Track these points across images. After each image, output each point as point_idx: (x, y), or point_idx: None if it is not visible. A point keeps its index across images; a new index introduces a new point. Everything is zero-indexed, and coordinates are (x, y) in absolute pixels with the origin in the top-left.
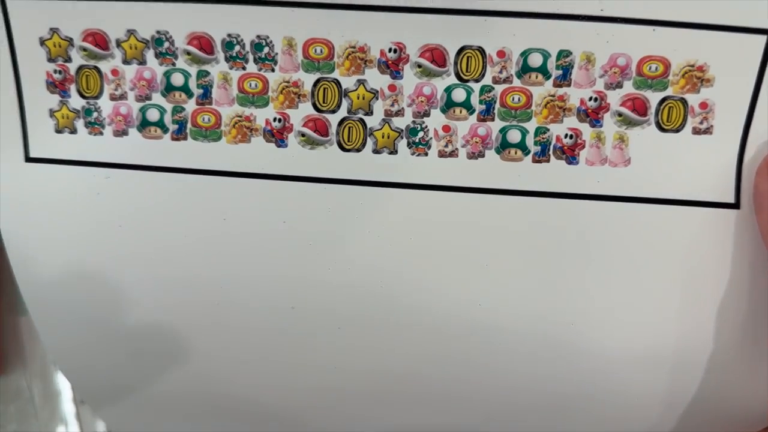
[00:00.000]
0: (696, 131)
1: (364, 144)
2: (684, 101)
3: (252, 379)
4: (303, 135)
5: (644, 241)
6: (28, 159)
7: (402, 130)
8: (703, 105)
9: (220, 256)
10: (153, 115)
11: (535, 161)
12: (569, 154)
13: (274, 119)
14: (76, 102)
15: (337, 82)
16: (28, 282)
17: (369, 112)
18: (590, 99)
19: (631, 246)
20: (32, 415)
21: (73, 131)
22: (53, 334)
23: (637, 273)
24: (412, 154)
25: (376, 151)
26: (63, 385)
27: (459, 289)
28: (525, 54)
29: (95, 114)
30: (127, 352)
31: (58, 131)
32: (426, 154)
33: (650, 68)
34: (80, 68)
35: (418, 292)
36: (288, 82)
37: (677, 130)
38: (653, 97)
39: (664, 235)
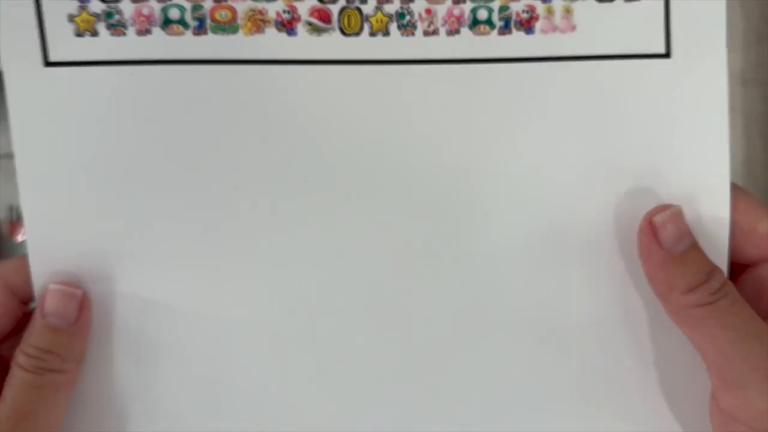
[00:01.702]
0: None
1: (361, 29)
2: None
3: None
4: (310, 24)
5: (591, 93)
6: (48, 63)
7: (392, 15)
8: None
9: (243, 135)
10: (174, 13)
11: (500, 34)
12: (527, 26)
13: (284, 11)
14: (96, 6)
15: None
16: (53, 180)
17: (364, 1)
18: None
19: (582, 100)
20: None
21: (94, 34)
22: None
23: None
24: (402, 35)
25: (372, 34)
26: None
27: (452, 148)
28: None
29: (117, 16)
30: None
31: (79, 35)
32: (413, 35)
33: None
34: None
35: (418, 151)
36: None
37: (611, 0)
38: None
39: (608, 86)
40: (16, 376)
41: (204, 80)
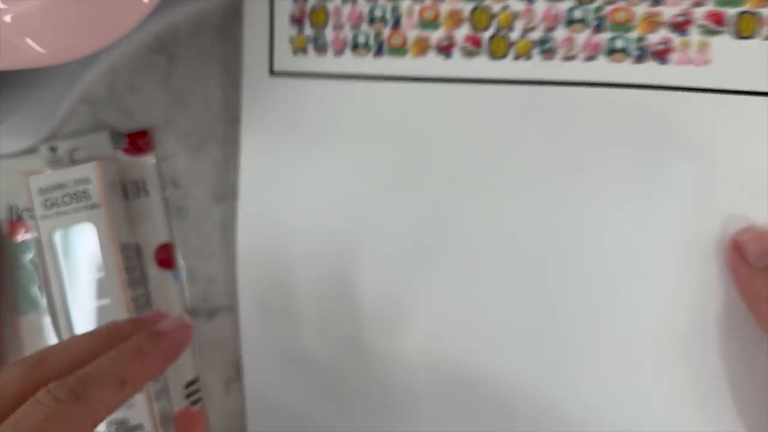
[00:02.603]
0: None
1: (507, 53)
2: (757, 14)
3: None
4: (463, 49)
5: (719, 125)
6: (272, 73)
7: (536, 41)
8: None
9: (411, 135)
10: (361, 39)
11: (635, 62)
12: (661, 56)
13: (444, 38)
14: (308, 30)
15: (488, 8)
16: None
17: (511, 29)
18: (678, 15)
19: (709, 131)
20: None
21: (305, 52)
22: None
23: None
24: (543, 59)
25: (516, 58)
26: None
27: (579, 162)
28: None
29: (320, 40)
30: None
31: (294, 52)
32: (553, 59)
33: None
34: (312, 7)
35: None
36: (454, 9)
37: (751, 37)
38: (731, 12)
39: (736, 120)
40: None
41: (379, 94)
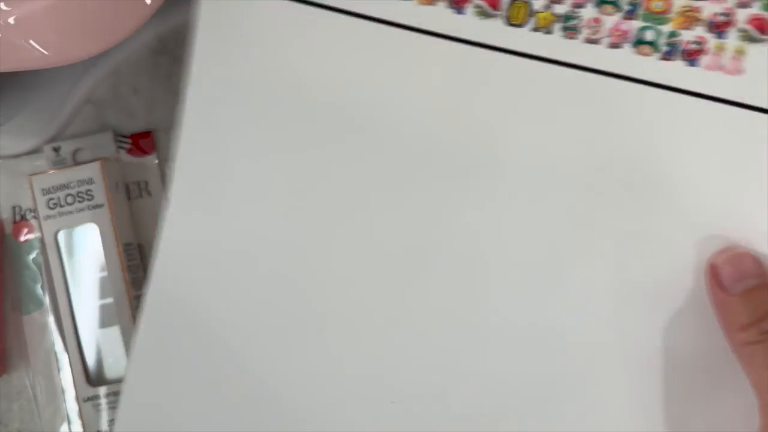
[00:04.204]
0: None
1: (526, 22)
2: None
3: None
4: (479, 7)
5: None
6: None
7: (560, 15)
8: None
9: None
10: None
11: (662, 59)
12: (691, 57)
13: None
14: None
15: None
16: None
17: None
18: (720, 14)
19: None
20: (35, 413)
21: None
22: None
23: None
24: (564, 36)
25: (534, 29)
26: (66, 383)
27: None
28: None
29: None
30: None
31: None
32: (575, 38)
33: None
34: None
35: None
36: None
37: None
38: None
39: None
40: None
41: (369, 38)
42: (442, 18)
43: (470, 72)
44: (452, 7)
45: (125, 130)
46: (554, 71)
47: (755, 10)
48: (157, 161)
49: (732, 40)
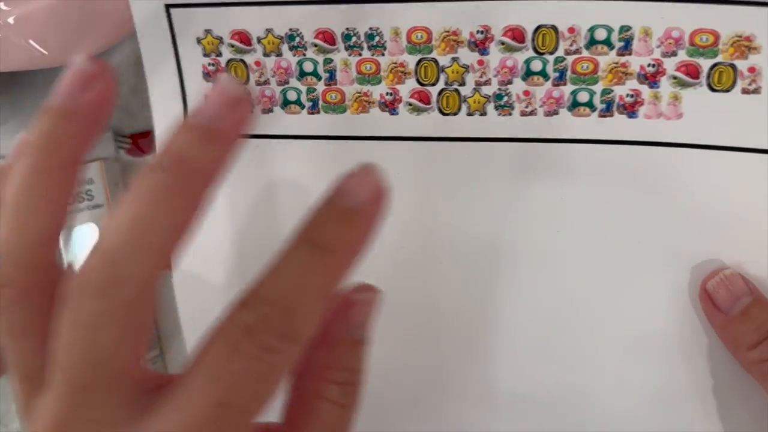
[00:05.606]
0: (745, 91)
1: (459, 109)
2: (733, 66)
3: None
4: (410, 104)
5: (693, 181)
6: None
7: (490, 96)
8: (751, 69)
9: None
10: (292, 95)
11: (600, 116)
12: (630, 110)
13: (387, 93)
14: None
15: (435, 61)
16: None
17: (462, 83)
18: (649, 65)
19: (679, 186)
20: None
21: None
22: None
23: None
24: (499, 114)
25: (469, 114)
26: None
27: (539, 220)
28: (592, 29)
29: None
30: None
31: None
32: (510, 114)
33: (701, 39)
34: (229, 61)
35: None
36: (396, 63)
37: (727, 91)
38: (705, 63)
39: (710, 177)
40: None
41: (316, 153)
42: (379, 122)
43: (420, 164)
44: (386, 110)
45: (125, 130)
46: (502, 147)
47: (682, 57)
48: None
49: (665, 87)
